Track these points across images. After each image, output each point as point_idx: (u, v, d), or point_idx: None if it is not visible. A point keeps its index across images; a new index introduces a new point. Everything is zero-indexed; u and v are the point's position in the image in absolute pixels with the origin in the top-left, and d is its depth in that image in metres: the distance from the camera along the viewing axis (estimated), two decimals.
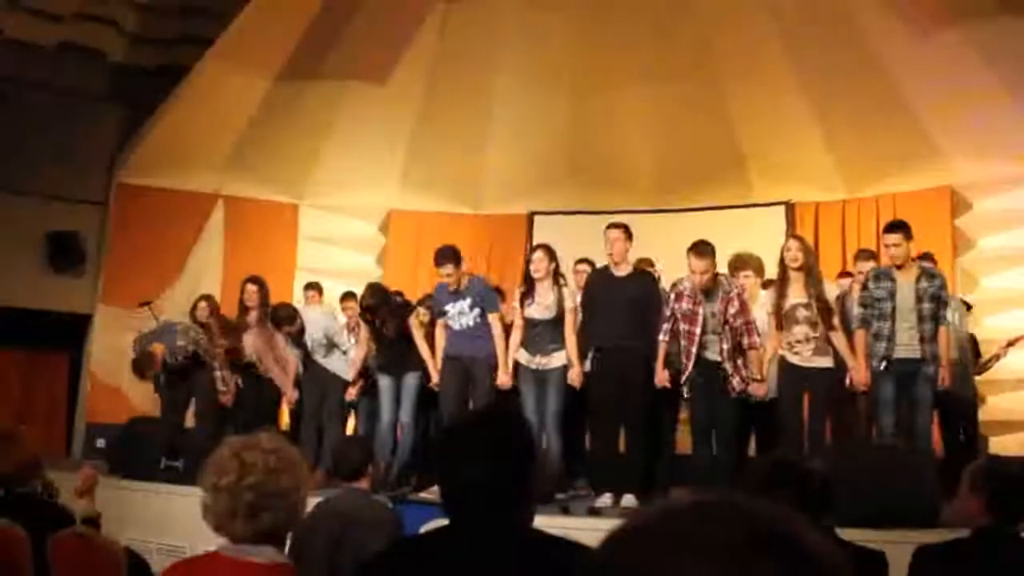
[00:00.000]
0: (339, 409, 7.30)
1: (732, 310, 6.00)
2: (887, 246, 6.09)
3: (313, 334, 7.24)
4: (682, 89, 9.22)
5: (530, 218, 10.53)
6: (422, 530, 2.71)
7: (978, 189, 9.12)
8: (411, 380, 6.86)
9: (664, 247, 7.87)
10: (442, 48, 9.40)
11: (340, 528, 3.76)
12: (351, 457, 4.09)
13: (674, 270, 6.59)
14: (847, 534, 3.38)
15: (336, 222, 10.53)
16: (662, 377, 6.09)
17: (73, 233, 9.64)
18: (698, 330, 6.00)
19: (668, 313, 6.10)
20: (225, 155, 9.89)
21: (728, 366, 5.99)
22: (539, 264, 6.38)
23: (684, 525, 0.76)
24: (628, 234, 6.34)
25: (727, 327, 6.00)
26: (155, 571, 3.85)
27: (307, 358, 7.32)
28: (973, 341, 7.80)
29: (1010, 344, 7.66)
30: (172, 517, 6.14)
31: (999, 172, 8.91)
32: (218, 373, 7.60)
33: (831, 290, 6.19)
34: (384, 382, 6.97)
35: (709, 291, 6.02)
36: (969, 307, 7.97)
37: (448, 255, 6.47)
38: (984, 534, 2.87)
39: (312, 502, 3.86)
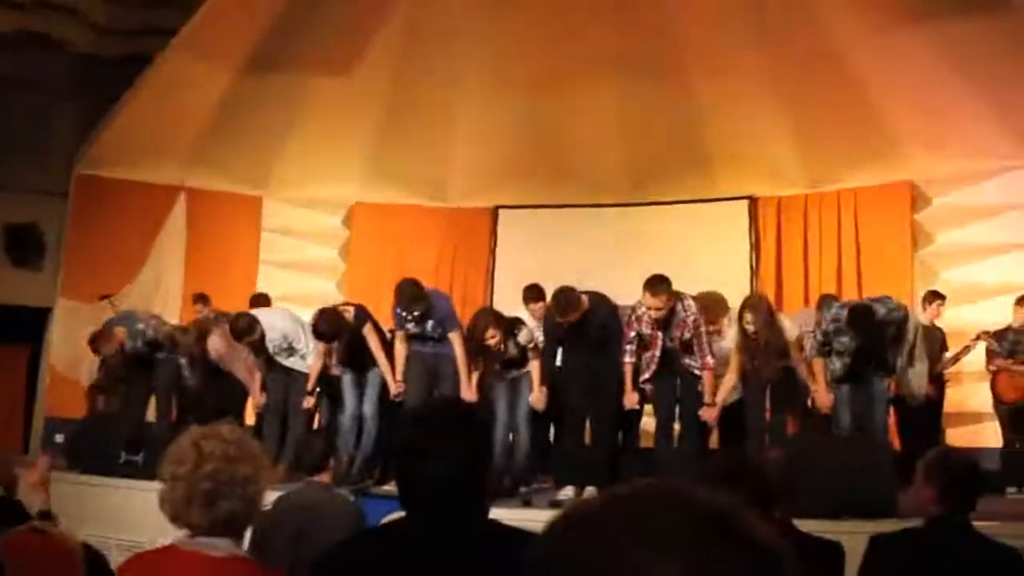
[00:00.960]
0: (302, 404, 7.26)
1: (687, 336, 6.13)
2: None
3: (273, 340, 7.17)
4: (647, 83, 9.25)
5: (495, 212, 10.52)
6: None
7: (937, 184, 9.25)
8: (374, 374, 6.85)
9: (628, 241, 7.92)
10: (408, 41, 9.35)
11: (302, 522, 3.76)
12: (313, 451, 4.09)
13: (636, 264, 6.63)
14: (806, 525, 3.43)
15: (300, 215, 10.46)
16: (632, 399, 6.19)
17: (32, 225, 9.50)
18: (658, 353, 6.19)
19: (632, 334, 6.18)
20: (188, 147, 9.78)
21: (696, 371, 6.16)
22: (493, 340, 6.40)
23: (632, 512, 0.77)
24: (578, 307, 6.15)
25: (682, 347, 6.19)
26: (114, 567, 3.81)
27: (269, 360, 7.26)
28: (941, 335, 7.94)
29: (978, 337, 7.81)
30: (132, 512, 6.08)
31: (958, 168, 9.04)
32: (183, 360, 7.52)
33: (791, 330, 6.39)
34: (347, 376, 6.95)
35: (666, 319, 6.13)
36: (942, 297, 8.09)
37: (416, 298, 6.50)
38: (937, 523, 2.92)
39: (274, 496, 3.86)
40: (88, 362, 8.60)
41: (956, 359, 7.95)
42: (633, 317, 6.20)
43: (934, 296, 8.03)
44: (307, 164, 10.13)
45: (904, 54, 8.35)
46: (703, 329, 6.20)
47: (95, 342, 7.83)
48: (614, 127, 9.64)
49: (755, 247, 9.82)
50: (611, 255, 7.42)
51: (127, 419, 7.60)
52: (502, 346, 6.45)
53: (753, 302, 6.44)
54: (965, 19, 7.86)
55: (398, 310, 6.67)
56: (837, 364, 6.26)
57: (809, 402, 6.52)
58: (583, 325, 6.19)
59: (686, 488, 0.79)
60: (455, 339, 6.57)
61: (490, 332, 6.38)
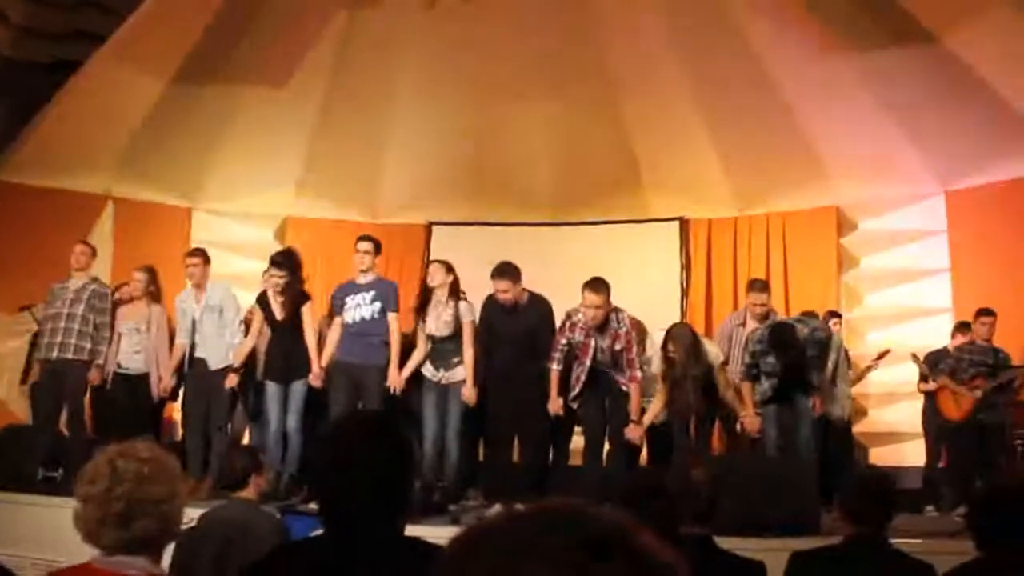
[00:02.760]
0: (225, 418, 7.12)
1: (618, 346, 6.20)
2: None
3: (210, 299, 7.11)
4: (580, 104, 9.35)
5: (428, 228, 10.51)
6: None
7: (862, 209, 9.49)
8: (298, 387, 6.78)
9: (560, 260, 7.96)
10: (343, 55, 9.31)
11: (225, 539, 3.70)
12: (234, 466, 4.03)
13: (567, 284, 6.70)
14: (730, 543, 3.47)
15: (230, 227, 10.31)
16: (556, 405, 6.24)
17: None
18: (588, 361, 6.25)
19: (563, 341, 6.23)
20: (116, 156, 9.57)
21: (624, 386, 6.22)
22: (435, 274, 6.53)
23: (525, 530, 0.79)
24: (516, 278, 6.42)
25: (612, 359, 6.26)
26: None
27: (191, 361, 7.13)
28: (844, 354, 8.10)
29: (880, 356, 7.97)
30: (50, 530, 5.89)
31: (882, 194, 9.30)
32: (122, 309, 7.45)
33: (715, 356, 6.52)
34: (271, 389, 6.85)
35: (601, 327, 6.20)
36: (838, 315, 8.27)
37: (371, 238, 6.82)
38: (854, 540, 2.99)
39: (197, 513, 3.79)
40: (8, 375, 8.34)
41: (860, 377, 8.12)
42: (567, 323, 6.27)
43: (831, 315, 8.21)
44: (238, 176, 10.00)
45: (831, 83, 8.57)
46: (635, 343, 6.28)
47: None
48: (547, 147, 9.72)
49: (686, 268, 9.96)
50: (543, 274, 7.43)
51: (44, 433, 7.33)
52: (443, 291, 6.48)
53: (676, 331, 6.54)
54: (889, 51, 8.09)
55: (336, 290, 6.81)
56: (766, 385, 6.33)
57: (738, 426, 6.60)
58: (515, 316, 6.28)
59: (582, 507, 0.81)
60: (392, 321, 6.60)
61: (435, 266, 6.58)
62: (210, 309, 7.11)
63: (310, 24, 9.07)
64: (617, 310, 6.29)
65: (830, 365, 6.53)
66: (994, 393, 7.26)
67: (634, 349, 6.24)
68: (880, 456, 8.67)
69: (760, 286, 7.19)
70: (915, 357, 7.83)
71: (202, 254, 7.40)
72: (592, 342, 6.22)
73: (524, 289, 6.38)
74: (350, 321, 6.63)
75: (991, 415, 7.22)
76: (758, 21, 8.50)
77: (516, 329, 6.33)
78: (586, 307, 6.13)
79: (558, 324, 6.46)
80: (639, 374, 6.24)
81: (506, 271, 6.33)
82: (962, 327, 7.74)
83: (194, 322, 7.14)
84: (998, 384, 7.25)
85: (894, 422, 8.73)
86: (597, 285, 6.13)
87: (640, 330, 6.95)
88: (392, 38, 9.11)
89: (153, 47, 8.81)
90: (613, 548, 0.77)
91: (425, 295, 6.57)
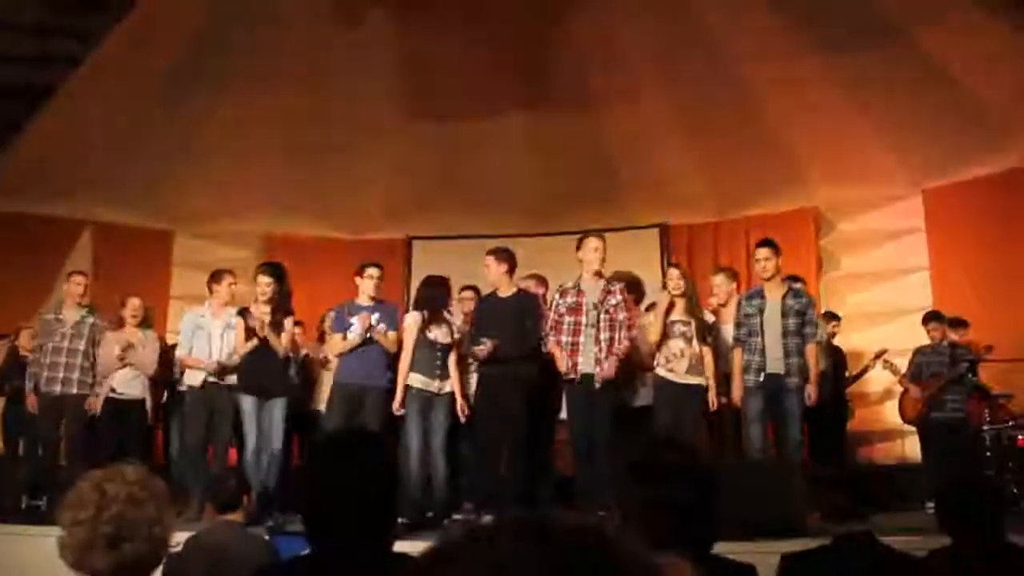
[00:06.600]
0: (228, 437, 7.01)
1: (613, 301, 6.27)
2: (757, 260, 6.43)
3: (230, 319, 7.06)
4: (558, 114, 9.37)
5: (408, 243, 10.51)
6: None
7: (841, 211, 9.56)
8: (277, 407, 6.69)
9: (543, 270, 7.95)
10: (319, 72, 9.31)
11: (212, 562, 3.67)
12: (225, 489, 4.01)
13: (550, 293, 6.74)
14: (718, 547, 3.46)
15: (212, 248, 10.27)
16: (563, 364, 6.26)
17: None
18: (583, 319, 6.26)
19: (554, 316, 6.34)
20: (93, 180, 9.50)
21: (602, 355, 6.21)
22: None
23: (490, 546, 0.77)
24: (500, 259, 6.56)
25: (607, 317, 6.26)
26: None
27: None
28: (841, 354, 8.14)
29: (878, 356, 8.03)
30: (34, 561, 5.82)
31: (860, 195, 9.36)
32: (109, 334, 7.35)
33: (707, 316, 6.55)
34: (247, 405, 6.67)
35: (591, 288, 6.34)
36: (837, 317, 8.31)
37: (379, 265, 7.03)
38: (843, 539, 3.01)
39: (184, 537, 3.76)
40: None
41: (857, 378, 8.17)
42: (558, 293, 6.44)
43: (830, 317, 8.25)
44: (219, 197, 9.96)
45: (805, 86, 8.64)
46: (631, 302, 6.48)
47: None
48: (526, 157, 9.74)
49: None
50: (525, 284, 7.47)
51: (28, 462, 7.26)
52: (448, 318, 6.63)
53: (676, 263, 7.03)
54: (862, 52, 8.16)
55: (336, 312, 6.89)
56: (756, 358, 6.18)
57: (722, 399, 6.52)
58: (504, 303, 6.42)
59: (556, 518, 0.79)
60: (391, 338, 6.69)
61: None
62: (229, 327, 7.06)
63: (286, 43, 9.05)
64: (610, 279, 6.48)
65: (817, 338, 6.45)
66: (947, 389, 7.36)
67: (630, 309, 6.41)
68: (867, 454, 8.72)
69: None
70: (887, 363, 7.93)
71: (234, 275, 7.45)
72: (584, 300, 6.29)
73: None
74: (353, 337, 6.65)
75: (943, 413, 7.35)
76: (731, 26, 8.56)
77: (502, 314, 6.37)
78: (585, 251, 6.46)
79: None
80: (635, 333, 6.41)
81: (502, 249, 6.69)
82: (928, 319, 7.84)
83: (208, 338, 7.09)
84: (950, 379, 7.36)
85: (879, 419, 8.78)
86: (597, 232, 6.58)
87: (638, 291, 7.14)
88: (369, 54, 9.12)
89: (128, 71, 8.77)
90: (584, 562, 0.75)
91: (434, 314, 6.58)
